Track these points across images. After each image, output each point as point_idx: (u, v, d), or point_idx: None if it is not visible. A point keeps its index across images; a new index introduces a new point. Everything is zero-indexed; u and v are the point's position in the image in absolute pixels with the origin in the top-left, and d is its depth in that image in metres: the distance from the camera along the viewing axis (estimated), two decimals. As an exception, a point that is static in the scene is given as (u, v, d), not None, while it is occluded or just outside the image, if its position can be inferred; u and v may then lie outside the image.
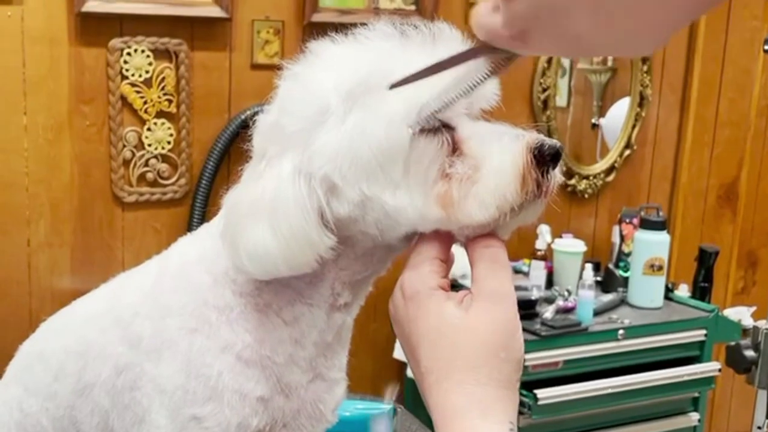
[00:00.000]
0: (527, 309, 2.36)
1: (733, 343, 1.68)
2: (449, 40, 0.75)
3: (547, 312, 2.38)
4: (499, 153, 0.72)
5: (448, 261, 0.75)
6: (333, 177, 0.74)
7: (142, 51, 2.20)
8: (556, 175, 0.73)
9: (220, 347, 0.81)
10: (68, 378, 0.90)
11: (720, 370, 2.61)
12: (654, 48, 0.55)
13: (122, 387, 0.85)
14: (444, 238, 0.74)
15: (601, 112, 2.98)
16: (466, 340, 0.68)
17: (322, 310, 0.83)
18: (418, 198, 0.72)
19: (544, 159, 0.72)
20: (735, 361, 1.64)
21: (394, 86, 0.70)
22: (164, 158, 2.29)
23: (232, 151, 2.33)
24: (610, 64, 2.96)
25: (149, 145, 2.26)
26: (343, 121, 0.73)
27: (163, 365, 0.82)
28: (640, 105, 2.95)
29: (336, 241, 0.76)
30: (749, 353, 1.64)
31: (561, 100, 2.85)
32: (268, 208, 0.75)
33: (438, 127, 0.73)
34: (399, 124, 0.71)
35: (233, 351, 0.82)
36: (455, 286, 0.74)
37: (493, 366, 0.67)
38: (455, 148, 0.73)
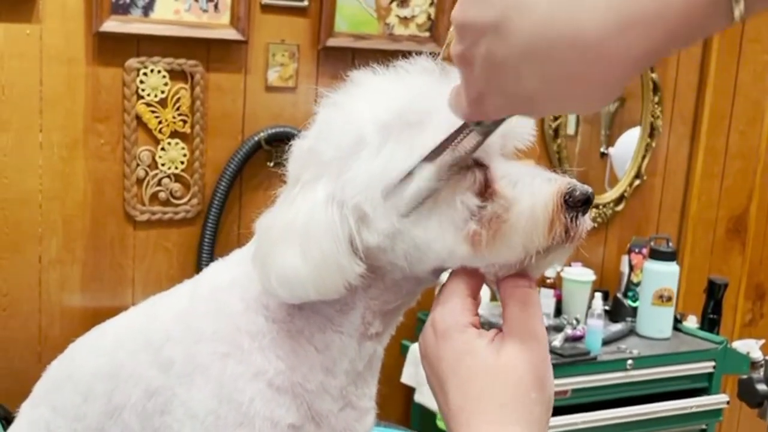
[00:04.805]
0: (536, 337, 2.35)
1: (745, 377, 1.67)
2: None
3: (556, 340, 2.37)
4: (530, 195, 0.72)
5: (478, 298, 0.75)
6: (364, 207, 0.74)
7: (158, 71, 2.21)
8: (586, 221, 0.73)
9: (252, 373, 0.82)
10: (98, 400, 0.90)
11: (728, 403, 2.60)
12: (606, 103, 0.56)
13: (153, 410, 0.85)
14: (474, 276, 0.74)
15: (609, 141, 2.99)
16: (498, 380, 0.68)
17: (353, 338, 0.83)
18: (448, 234, 0.73)
19: (575, 204, 0.72)
20: (747, 394, 1.64)
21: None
22: (177, 178, 2.29)
23: (244, 172, 2.34)
24: (618, 93, 2.97)
25: (162, 165, 2.27)
26: (378, 153, 0.74)
27: (194, 390, 0.82)
28: (651, 136, 2.96)
29: (365, 269, 0.76)
30: (761, 387, 1.63)
31: (569, 129, 2.86)
32: (300, 233, 0.76)
33: (470, 165, 0.73)
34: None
35: (265, 377, 0.82)
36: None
37: (524, 406, 0.67)
38: (487, 186, 0.74)
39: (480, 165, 0.74)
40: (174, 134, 2.27)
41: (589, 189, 0.73)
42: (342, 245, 0.75)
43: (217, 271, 0.90)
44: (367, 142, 0.75)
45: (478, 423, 0.67)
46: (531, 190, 0.72)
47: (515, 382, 0.68)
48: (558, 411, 2.31)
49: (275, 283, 0.77)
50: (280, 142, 2.30)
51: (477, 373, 0.69)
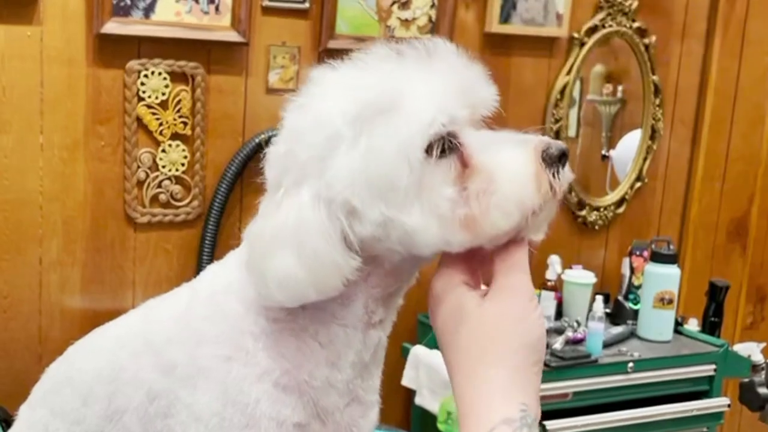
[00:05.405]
0: (537, 339, 2.35)
1: (746, 380, 1.66)
2: (445, 54, 0.78)
3: (557, 343, 2.37)
4: (511, 161, 0.74)
5: (474, 261, 0.77)
6: (352, 200, 0.75)
7: (159, 73, 2.21)
8: (566, 174, 0.76)
9: (257, 374, 0.82)
10: (98, 403, 0.90)
11: (729, 406, 2.60)
12: None
13: (155, 414, 0.85)
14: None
15: (610, 144, 2.99)
16: (478, 329, 0.72)
17: (358, 329, 0.83)
18: (432, 221, 0.74)
19: (552, 160, 0.74)
20: (748, 398, 1.63)
21: None
22: (178, 180, 2.29)
23: (245, 174, 2.33)
24: (619, 95, 2.97)
25: (163, 167, 2.27)
26: (355, 145, 0.75)
27: (198, 393, 0.83)
28: (652, 138, 2.96)
29: (361, 262, 0.77)
30: (763, 391, 1.62)
31: (570, 131, 2.86)
32: (291, 237, 0.76)
33: (445, 146, 0.75)
34: (407, 144, 0.74)
35: (271, 378, 0.82)
36: None
37: (500, 348, 0.71)
38: (464, 164, 0.75)
39: (453, 139, 0.75)
40: (175, 136, 2.27)
41: (562, 144, 0.76)
42: (335, 243, 0.75)
43: (215, 274, 0.90)
44: (342, 137, 0.75)
45: (462, 370, 0.72)
46: (509, 155, 0.75)
47: (493, 330, 0.71)
48: (559, 414, 2.31)
49: (274, 289, 0.77)
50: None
51: (464, 326, 0.73)
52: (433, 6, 2.47)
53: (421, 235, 0.75)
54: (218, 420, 0.81)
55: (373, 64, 0.78)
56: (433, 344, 2.33)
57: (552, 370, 2.28)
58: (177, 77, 2.24)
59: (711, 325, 2.79)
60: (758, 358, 2.58)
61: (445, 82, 0.76)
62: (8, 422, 1.87)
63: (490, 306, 0.72)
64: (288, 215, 0.76)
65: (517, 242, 0.75)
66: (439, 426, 2.30)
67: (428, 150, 0.74)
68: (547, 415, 2.27)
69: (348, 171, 0.75)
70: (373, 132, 0.74)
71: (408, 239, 0.76)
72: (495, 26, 2.55)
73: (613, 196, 2.94)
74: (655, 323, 2.61)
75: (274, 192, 0.79)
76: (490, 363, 0.70)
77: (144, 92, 2.21)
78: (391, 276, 0.82)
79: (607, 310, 2.71)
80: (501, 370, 0.70)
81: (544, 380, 2.21)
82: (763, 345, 2.77)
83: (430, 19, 2.47)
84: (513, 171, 0.73)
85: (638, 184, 2.97)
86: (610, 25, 2.77)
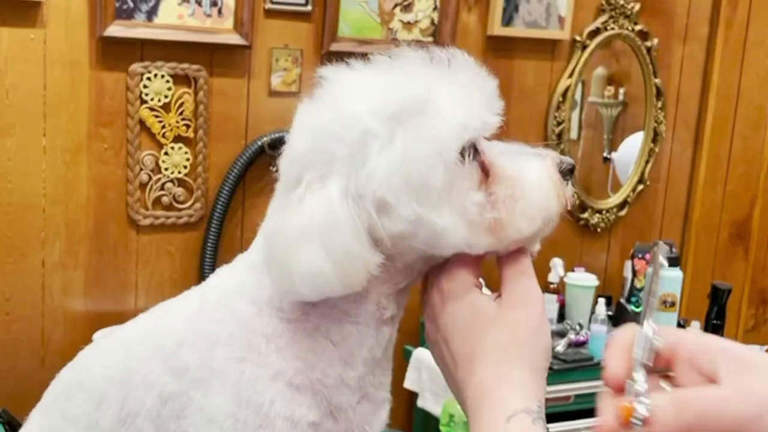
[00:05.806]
0: (539, 342, 2.35)
1: (749, 382, 1.66)
2: (465, 65, 0.80)
3: (559, 346, 2.37)
4: (534, 170, 0.78)
5: (479, 268, 0.81)
6: (387, 197, 0.77)
7: (162, 76, 2.22)
8: (570, 188, 0.81)
9: (270, 375, 0.82)
10: (111, 407, 0.90)
11: (731, 409, 2.59)
12: None
13: (168, 416, 0.85)
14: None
15: (612, 146, 2.99)
16: (497, 328, 0.75)
17: (370, 326, 0.84)
18: (461, 223, 0.77)
19: (564, 174, 0.80)
20: (751, 400, 1.63)
21: None
22: (180, 182, 2.29)
23: (248, 176, 2.34)
24: (621, 98, 2.98)
25: (166, 169, 2.27)
26: (391, 144, 0.76)
27: (212, 394, 0.83)
28: (654, 141, 2.96)
29: (383, 258, 0.78)
30: (765, 393, 1.63)
31: (572, 133, 2.86)
32: (319, 231, 0.76)
33: (472, 152, 0.78)
34: (444, 145, 0.76)
35: (285, 378, 0.82)
36: None
37: (522, 351, 0.74)
38: (484, 170, 0.78)
39: (474, 148, 0.78)
40: (177, 139, 2.27)
41: (572, 160, 0.81)
42: (363, 238, 0.76)
43: (223, 277, 0.90)
44: (375, 135, 0.76)
45: (482, 365, 0.74)
46: (530, 165, 0.79)
47: (514, 331, 0.75)
48: (561, 416, 2.31)
49: (299, 283, 0.77)
50: (283, 146, 2.30)
51: (479, 323, 0.76)
52: (435, 9, 2.47)
53: (449, 236, 0.77)
54: (232, 421, 0.81)
55: (398, 67, 0.80)
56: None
57: (554, 373, 2.28)
58: (180, 80, 2.24)
59: (713, 328, 2.78)
60: (761, 360, 2.57)
61: (469, 91, 0.79)
62: (12, 425, 1.87)
63: (511, 311, 0.76)
64: (314, 210, 0.76)
65: (521, 250, 0.79)
66: (442, 429, 2.30)
67: (461, 153, 0.77)
68: (549, 417, 2.25)
69: (385, 168, 0.76)
70: (409, 132, 0.76)
71: (435, 238, 0.77)
72: (497, 29, 2.56)
73: (615, 199, 2.94)
74: (658, 326, 2.60)
75: (291, 188, 0.79)
76: (513, 362, 0.73)
77: (147, 95, 2.21)
78: (401, 273, 0.83)
79: (610, 313, 2.70)
80: (521, 369, 0.73)
81: (547, 382, 2.22)
82: (765, 348, 2.77)
83: (432, 22, 2.47)
84: (537, 179, 0.78)
85: (640, 187, 2.97)
86: (612, 28, 2.78)
